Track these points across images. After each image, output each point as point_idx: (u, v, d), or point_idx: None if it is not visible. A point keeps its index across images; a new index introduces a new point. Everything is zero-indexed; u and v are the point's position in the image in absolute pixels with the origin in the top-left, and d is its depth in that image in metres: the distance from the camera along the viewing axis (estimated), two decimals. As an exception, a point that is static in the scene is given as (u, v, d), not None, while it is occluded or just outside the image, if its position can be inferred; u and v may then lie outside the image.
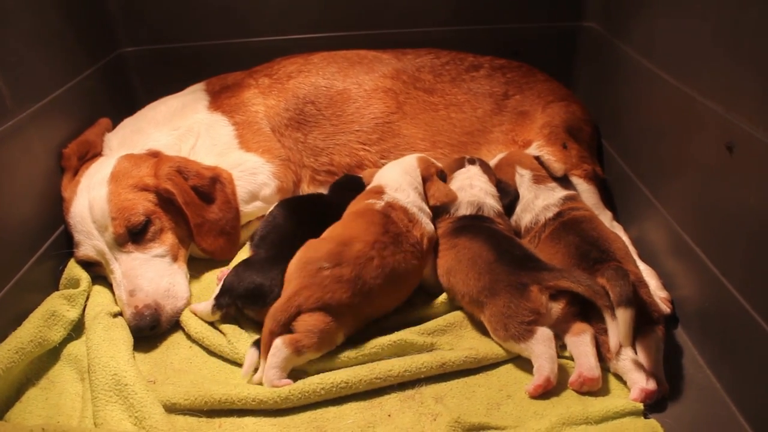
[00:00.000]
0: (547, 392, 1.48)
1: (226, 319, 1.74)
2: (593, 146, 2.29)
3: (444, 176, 1.99)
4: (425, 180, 1.91)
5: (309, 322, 1.52)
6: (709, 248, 1.55)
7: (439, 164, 2.01)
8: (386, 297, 1.67)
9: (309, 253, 1.63)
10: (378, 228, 1.69)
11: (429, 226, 1.81)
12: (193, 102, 2.25)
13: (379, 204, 1.78)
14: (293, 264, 1.63)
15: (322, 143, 2.20)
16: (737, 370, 1.45)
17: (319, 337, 1.51)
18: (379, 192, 1.84)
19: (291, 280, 1.60)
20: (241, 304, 1.71)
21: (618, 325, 1.44)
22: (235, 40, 2.56)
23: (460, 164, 2.01)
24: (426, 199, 1.89)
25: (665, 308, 1.70)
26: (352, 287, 1.57)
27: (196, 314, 1.76)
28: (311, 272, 1.58)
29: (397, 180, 1.87)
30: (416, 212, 1.79)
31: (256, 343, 1.56)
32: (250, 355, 1.55)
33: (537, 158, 2.00)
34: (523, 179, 1.96)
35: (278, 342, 1.50)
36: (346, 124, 2.21)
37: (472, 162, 2.01)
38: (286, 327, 1.52)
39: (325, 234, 1.74)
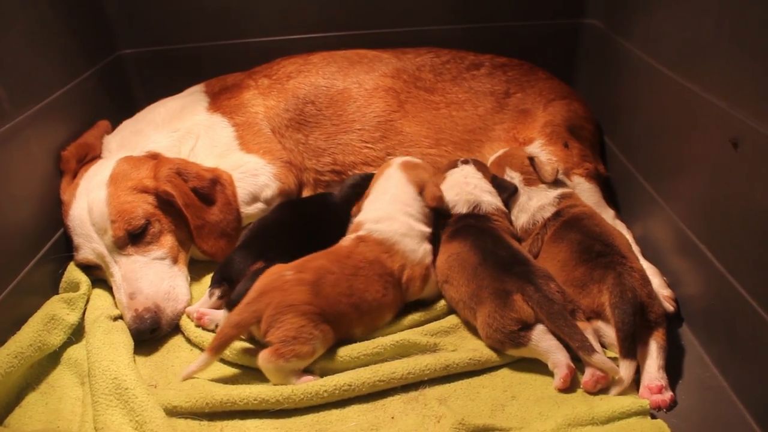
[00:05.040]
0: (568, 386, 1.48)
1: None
2: (595, 144, 2.28)
3: None
4: (421, 189, 1.85)
5: (279, 333, 1.50)
6: (715, 245, 1.53)
7: (428, 167, 1.98)
8: (355, 311, 1.61)
9: (275, 268, 1.64)
10: (339, 255, 1.68)
11: (415, 254, 1.73)
12: (193, 103, 2.24)
13: (348, 240, 1.75)
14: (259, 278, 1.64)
15: (323, 143, 2.19)
16: (744, 369, 1.43)
17: (294, 344, 1.49)
18: (357, 229, 1.78)
19: (251, 290, 1.60)
20: (221, 275, 1.77)
21: (595, 362, 1.45)
22: (233, 41, 2.55)
23: (452, 165, 2.01)
24: (424, 212, 1.83)
25: (669, 307, 1.69)
26: (313, 289, 1.55)
27: (190, 318, 1.76)
28: (272, 279, 1.58)
29: (381, 211, 1.79)
30: (399, 240, 1.72)
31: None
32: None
33: (531, 159, 1.96)
34: (513, 182, 1.94)
35: (261, 360, 1.49)
36: (347, 123, 2.19)
37: (465, 162, 2.00)
38: (237, 329, 1.52)
39: None
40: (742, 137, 1.39)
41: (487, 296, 1.57)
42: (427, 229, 1.81)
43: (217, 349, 1.51)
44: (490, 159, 2.09)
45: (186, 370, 1.52)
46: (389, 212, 1.78)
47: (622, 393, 1.46)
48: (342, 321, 1.59)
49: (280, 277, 1.58)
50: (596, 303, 1.54)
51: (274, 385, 1.51)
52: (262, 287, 1.57)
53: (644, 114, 1.94)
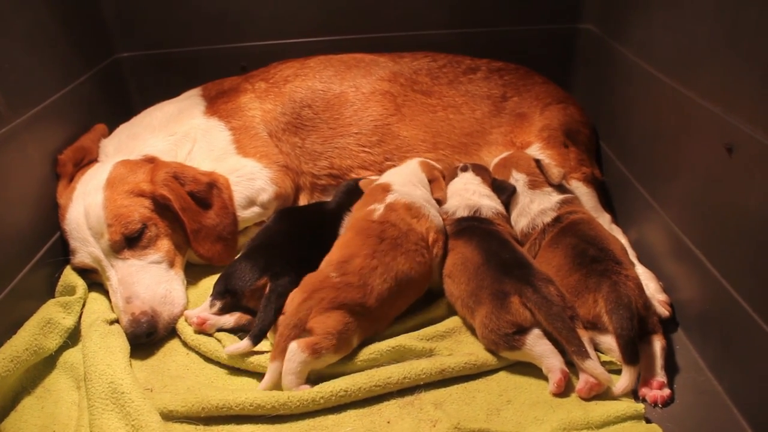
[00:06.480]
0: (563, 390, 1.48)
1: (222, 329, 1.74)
2: (591, 149, 2.29)
3: None
4: (430, 181, 1.97)
5: (328, 324, 1.51)
6: (710, 250, 1.54)
7: (444, 172, 2.06)
8: (399, 298, 1.67)
9: (315, 271, 1.66)
10: (373, 240, 1.69)
11: (437, 219, 1.82)
12: (190, 107, 2.24)
13: (378, 212, 1.77)
14: (301, 283, 1.64)
15: (320, 147, 2.19)
16: (739, 373, 1.44)
17: (337, 339, 1.51)
18: (386, 190, 1.85)
19: (300, 291, 1.60)
20: (225, 287, 1.73)
21: (589, 368, 1.45)
22: (230, 45, 2.56)
23: (452, 175, 2.02)
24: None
25: (664, 311, 1.69)
26: (362, 291, 1.58)
27: (190, 322, 1.74)
28: (320, 279, 1.60)
29: (404, 177, 1.92)
30: (423, 205, 1.81)
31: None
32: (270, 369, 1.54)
33: (537, 162, 1.98)
34: (517, 184, 1.94)
35: (293, 346, 1.49)
36: (344, 127, 2.20)
37: (464, 169, 2.01)
38: (297, 330, 1.52)
39: (326, 258, 1.72)
40: (736, 143, 1.39)
41: (485, 297, 1.57)
42: (437, 205, 1.91)
43: (281, 355, 1.51)
44: (493, 161, 2.10)
45: (260, 385, 1.51)
46: (410, 180, 1.91)
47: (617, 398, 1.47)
48: (389, 314, 1.67)
49: (327, 278, 1.60)
50: (592, 313, 1.54)
51: (276, 390, 1.51)
52: (311, 287, 1.58)
53: (640, 119, 1.95)
